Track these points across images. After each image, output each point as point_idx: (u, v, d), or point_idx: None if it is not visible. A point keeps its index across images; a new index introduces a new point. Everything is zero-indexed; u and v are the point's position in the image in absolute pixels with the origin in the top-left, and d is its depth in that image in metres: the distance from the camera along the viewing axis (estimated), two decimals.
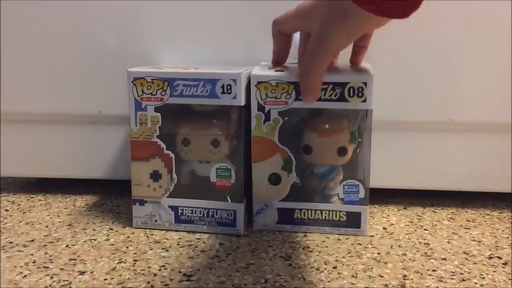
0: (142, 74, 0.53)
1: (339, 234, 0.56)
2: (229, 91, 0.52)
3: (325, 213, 0.55)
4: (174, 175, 0.55)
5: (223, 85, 0.52)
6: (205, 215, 0.56)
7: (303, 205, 0.56)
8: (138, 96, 0.53)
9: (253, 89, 0.52)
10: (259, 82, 0.52)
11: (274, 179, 0.55)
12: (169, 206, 0.56)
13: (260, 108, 0.53)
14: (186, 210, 0.56)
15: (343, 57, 0.58)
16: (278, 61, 0.55)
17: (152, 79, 0.53)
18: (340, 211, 0.55)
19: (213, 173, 0.55)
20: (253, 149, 0.54)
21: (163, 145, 0.55)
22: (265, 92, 0.52)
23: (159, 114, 0.54)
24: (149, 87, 0.53)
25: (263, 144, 0.54)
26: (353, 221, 0.55)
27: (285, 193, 0.55)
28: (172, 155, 0.55)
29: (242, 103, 0.52)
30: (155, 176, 0.55)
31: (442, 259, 0.51)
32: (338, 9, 0.42)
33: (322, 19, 0.44)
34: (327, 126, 0.55)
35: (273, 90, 0.52)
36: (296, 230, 0.56)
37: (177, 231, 0.56)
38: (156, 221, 0.57)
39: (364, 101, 0.52)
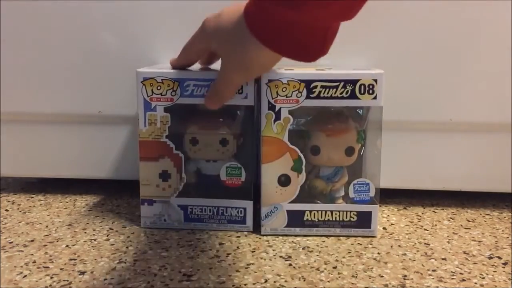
0: (152, 75, 0.53)
1: (349, 236, 0.55)
2: (240, 91, 0.52)
3: (336, 213, 0.55)
4: (184, 175, 0.55)
5: None
6: (215, 213, 0.56)
7: (313, 207, 0.55)
8: (148, 97, 0.53)
9: (264, 87, 0.52)
10: (270, 81, 0.52)
11: (284, 181, 0.54)
12: (178, 205, 0.56)
13: (271, 107, 0.52)
14: (195, 208, 0.56)
15: (342, 57, 0.58)
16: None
17: (162, 80, 0.53)
18: (350, 211, 0.55)
19: (223, 171, 0.55)
20: (263, 150, 0.53)
21: (172, 145, 0.55)
22: (276, 91, 0.52)
23: (168, 114, 0.54)
24: (159, 87, 0.53)
25: (273, 144, 0.53)
26: (364, 221, 0.55)
27: (294, 195, 0.54)
28: (181, 154, 0.55)
29: (253, 102, 0.53)
30: (164, 176, 0.55)
31: (442, 259, 0.51)
32: (239, 41, 0.42)
33: (225, 50, 0.45)
34: (335, 125, 0.55)
35: (284, 88, 0.52)
36: (305, 234, 0.55)
37: (187, 229, 0.57)
38: (165, 220, 0.57)
39: (375, 98, 0.52)
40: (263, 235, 0.55)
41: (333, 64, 0.60)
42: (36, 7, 0.63)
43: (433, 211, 0.65)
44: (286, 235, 0.55)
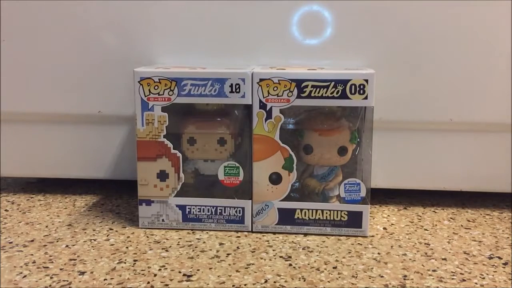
0: (149, 74, 0.53)
1: (340, 235, 0.56)
2: (237, 90, 0.52)
3: (326, 212, 0.55)
4: (182, 175, 0.55)
5: (231, 84, 0.52)
6: (213, 213, 0.56)
7: (304, 205, 0.55)
8: (145, 96, 0.53)
9: (255, 86, 0.52)
10: (261, 80, 0.52)
11: (275, 179, 0.55)
12: (177, 205, 0.56)
13: (262, 105, 0.53)
14: (193, 208, 0.56)
15: (341, 57, 0.58)
16: None
17: (159, 79, 0.53)
18: (341, 211, 0.55)
19: (221, 171, 0.55)
20: (254, 148, 0.54)
21: (170, 145, 0.55)
22: (267, 90, 0.52)
23: (166, 114, 0.54)
24: (156, 87, 0.53)
25: (264, 143, 0.54)
26: (355, 221, 0.55)
27: (285, 193, 0.55)
28: (179, 154, 0.55)
29: (251, 101, 0.53)
30: (162, 175, 0.55)
31: (443, 259, 0.51)
32: None
33: None
34: (328, 125, 0.55)
35: (275, 87, 0.52)
36: (296, 231, 0.56)
37: (187, 229, 0.56)
38: (163, 220, 0.57)
39: (366, 98, 0.52)
40: (263, 236, 0.55)
41: (333, 64, 0.60)
42: (36, 7, 0.63)
43: (433, 211, 0.65)
44: (278, 233, 0.56)
